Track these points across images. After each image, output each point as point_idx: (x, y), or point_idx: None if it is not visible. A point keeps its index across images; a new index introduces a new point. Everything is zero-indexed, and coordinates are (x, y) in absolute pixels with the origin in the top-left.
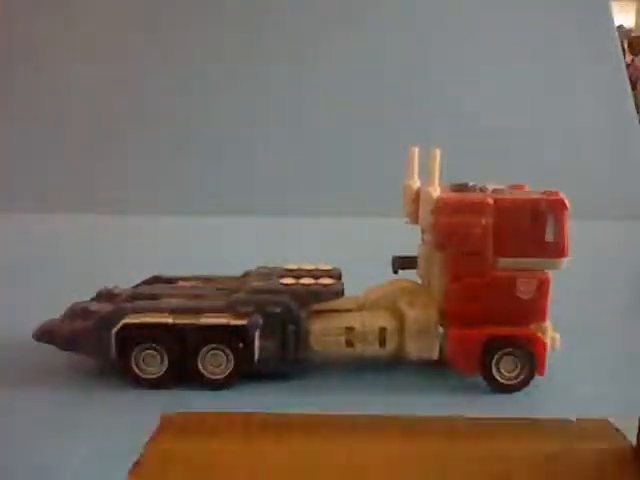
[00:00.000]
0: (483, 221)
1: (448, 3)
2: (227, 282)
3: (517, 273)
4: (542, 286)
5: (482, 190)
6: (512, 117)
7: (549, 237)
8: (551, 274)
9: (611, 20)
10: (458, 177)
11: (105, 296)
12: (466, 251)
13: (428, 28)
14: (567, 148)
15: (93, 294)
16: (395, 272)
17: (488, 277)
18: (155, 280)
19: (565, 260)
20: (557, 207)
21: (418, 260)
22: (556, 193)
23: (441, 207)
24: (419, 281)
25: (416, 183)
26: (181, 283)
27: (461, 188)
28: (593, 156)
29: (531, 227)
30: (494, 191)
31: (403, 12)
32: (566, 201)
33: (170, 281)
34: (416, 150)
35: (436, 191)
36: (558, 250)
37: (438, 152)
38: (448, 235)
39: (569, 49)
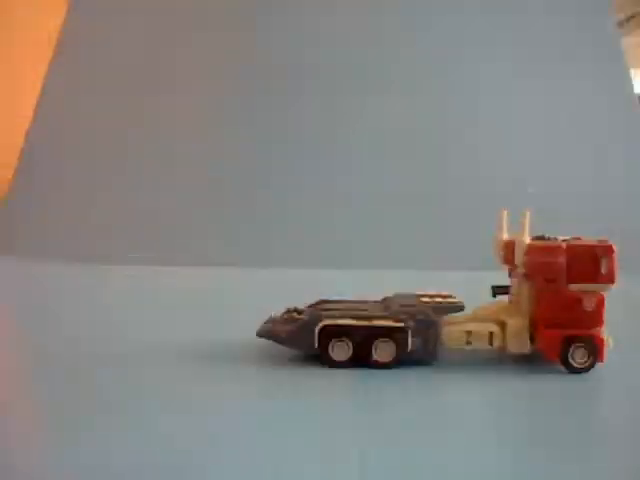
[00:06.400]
0: (559, 260)
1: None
2: (374, 304)
3: (583, 294)
4: (600, 302)
5: (555, 240)
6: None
7: (604, 270)
8: (606, 295)
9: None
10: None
11: (294, 311)
12: (548, 279)
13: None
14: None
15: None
16: (494, 296)
17: (563, 296)
18: (322, 302)
19: (614, 286)
20: (608, 251)
21: (510, 288)
22: (607, 241)
23: (532, 250)
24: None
25: (505, 235)
26: (342, 304)
27: (540, 238)
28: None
29: (591, 264)
30: (563, 240)
31: (466, 79)
32: (614, 247)
33: (333, 302)
34: (505, 212)
35: (527, 240)
36: (609, 279)
37: (528, 213)
38: (536, 269)
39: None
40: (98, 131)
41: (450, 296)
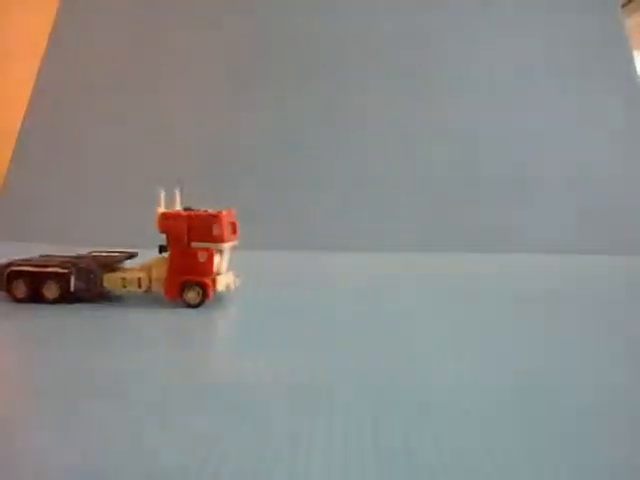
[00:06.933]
0: (181, 224)
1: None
2: (67, 256)
3: (199, 249)
4: (210, 256)
5: (195, 210)
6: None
7: (215, 232)
8: (215, 250)
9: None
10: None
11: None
12: (174, 238)
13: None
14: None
15: None
16: (160, 252)
17: (184, 251)
18: (42, 255)
19: (225, 245)
20: (217, 218)
21: None
22: (220, 212)
23: (162, 217)
24: None
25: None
26: (49, 257)
27: (187, 209)
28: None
29: (205, 227)
30: (194, 210)
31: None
32: (222, 215)
33: (47, 256)
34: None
35: (162, 209)
36: (219, 239)
37: (163, 192)
38: (165, 230)
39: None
40: (90, 123)
41: (126, 253)
